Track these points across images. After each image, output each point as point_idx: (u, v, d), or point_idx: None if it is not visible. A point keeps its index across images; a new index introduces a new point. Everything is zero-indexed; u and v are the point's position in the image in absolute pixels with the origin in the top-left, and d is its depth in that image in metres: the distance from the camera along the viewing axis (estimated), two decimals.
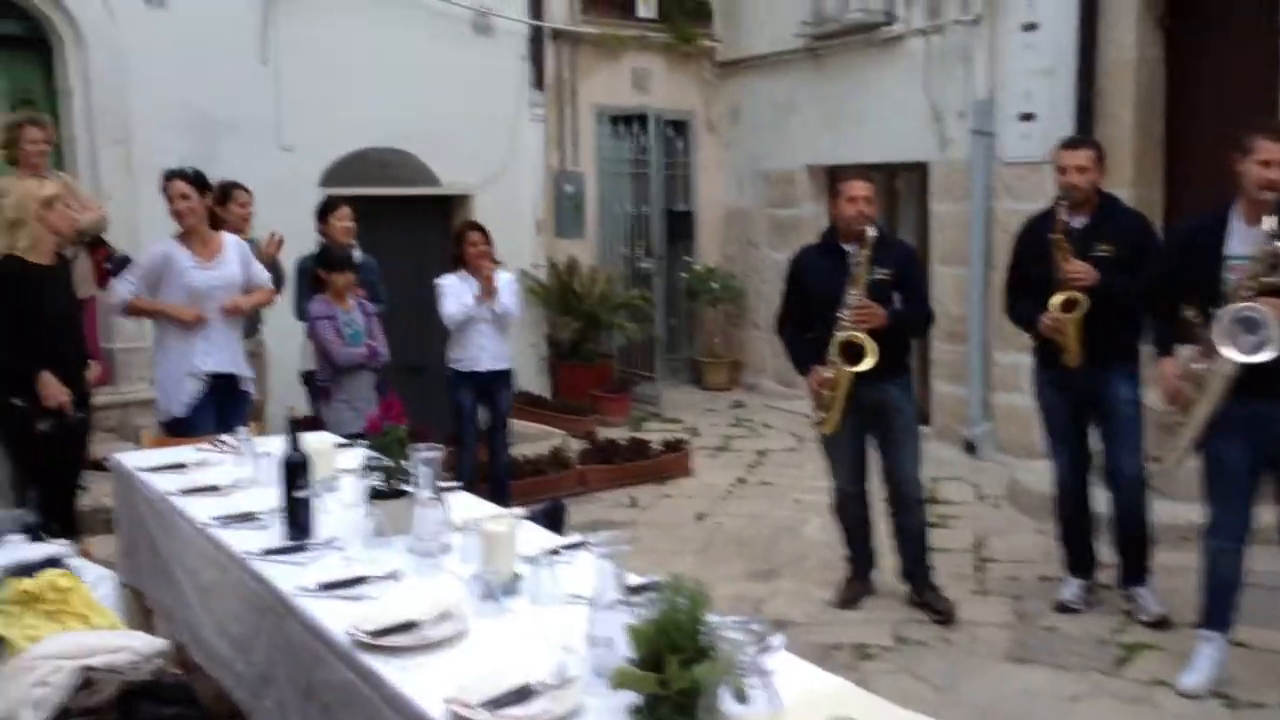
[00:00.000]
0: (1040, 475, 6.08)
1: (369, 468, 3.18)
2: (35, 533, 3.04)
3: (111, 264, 5.85)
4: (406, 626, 2.47)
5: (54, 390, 4.58)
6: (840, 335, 4.70)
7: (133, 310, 5.27)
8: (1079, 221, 4.70)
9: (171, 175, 5.13)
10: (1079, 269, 4.59)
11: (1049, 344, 4.80)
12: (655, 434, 8.43)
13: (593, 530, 6.24)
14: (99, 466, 5.00)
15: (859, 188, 4.79)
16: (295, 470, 3.08)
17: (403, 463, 3.15)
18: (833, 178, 9.48)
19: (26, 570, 2.78)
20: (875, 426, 4.99)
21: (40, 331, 4.59)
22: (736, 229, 10.71)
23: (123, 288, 5.18)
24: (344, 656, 2.40)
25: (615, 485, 7.33)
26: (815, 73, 9.56)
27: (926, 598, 5.09)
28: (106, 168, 7.10)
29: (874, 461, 5.14)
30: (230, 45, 7.60)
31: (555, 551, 3.03)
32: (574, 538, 3.39)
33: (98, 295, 5.87)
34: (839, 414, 4.85)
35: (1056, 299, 4.63)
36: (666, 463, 7.66)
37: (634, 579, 2.78)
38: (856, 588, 5.29)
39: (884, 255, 4.75)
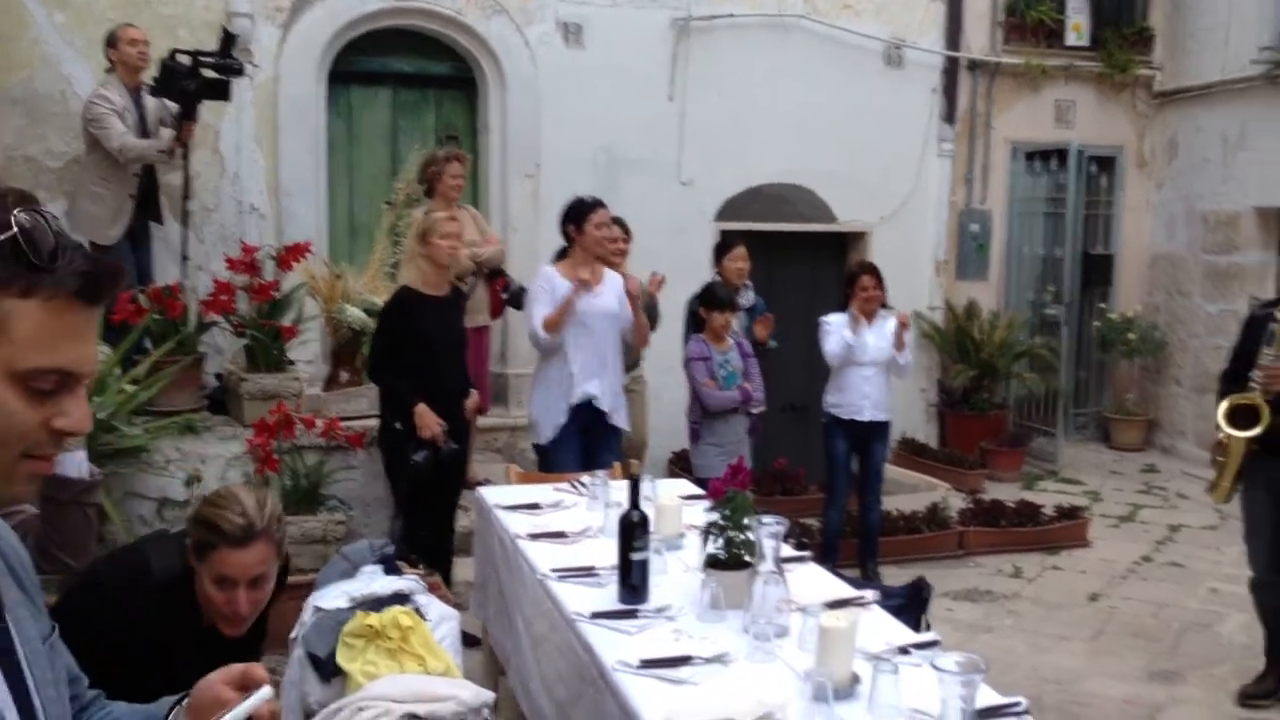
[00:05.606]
0: None
1: (709, 533, 3.02)
2: (391, 565, 3.16)
3: (508, 294, 6.15)
4: None
5: (429, 421, 4.78)
6: (1231, 397, 4.40)
7: (549, 326, 5.13)
8: None
9: (599, 204, 5.26)
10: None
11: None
12: (1049, 496, 7.77)
13: (968, 598, 5.93)
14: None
15: None
16: (633, 530, 2.99)
17: (746, 532, 2.97)
18: None
19: (375, 604, 2.86)
20: None
21: (422, 359, 4.83)
22: (1163, 275, 9.72)
23: (536, 318, 5.20)
24: None
25: (998, 551, 6.77)
26: (1273, 102, 8.49)
27: None
28: (515, 200, 7.53)
29: None
30: (640, 83, 7.82)
31: (905, 650, 2.73)
32: (929, 635, 3.07)
33: (490, 325, 6.18)
34: (1229, 484, 4.54)
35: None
36: (1059, 530, 7.00)
37: (988, 698, 2.44)
38: (1268, 684, 4.71)
39: None
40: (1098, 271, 9.80)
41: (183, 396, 5.69)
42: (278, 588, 2.66)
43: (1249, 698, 4.70)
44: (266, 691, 1.47)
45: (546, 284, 5.20)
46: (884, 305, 6.06)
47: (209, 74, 5.97)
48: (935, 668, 2.23)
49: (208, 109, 6.19)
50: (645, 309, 6.00)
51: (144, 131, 5.98)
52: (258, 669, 1.51)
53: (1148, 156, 9.83)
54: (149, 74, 6.04)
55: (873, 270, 6.08)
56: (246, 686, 1.48)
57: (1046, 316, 9.36)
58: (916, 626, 3.76)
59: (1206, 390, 9.12)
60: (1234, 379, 4.57)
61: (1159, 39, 9.65)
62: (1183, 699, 4.79)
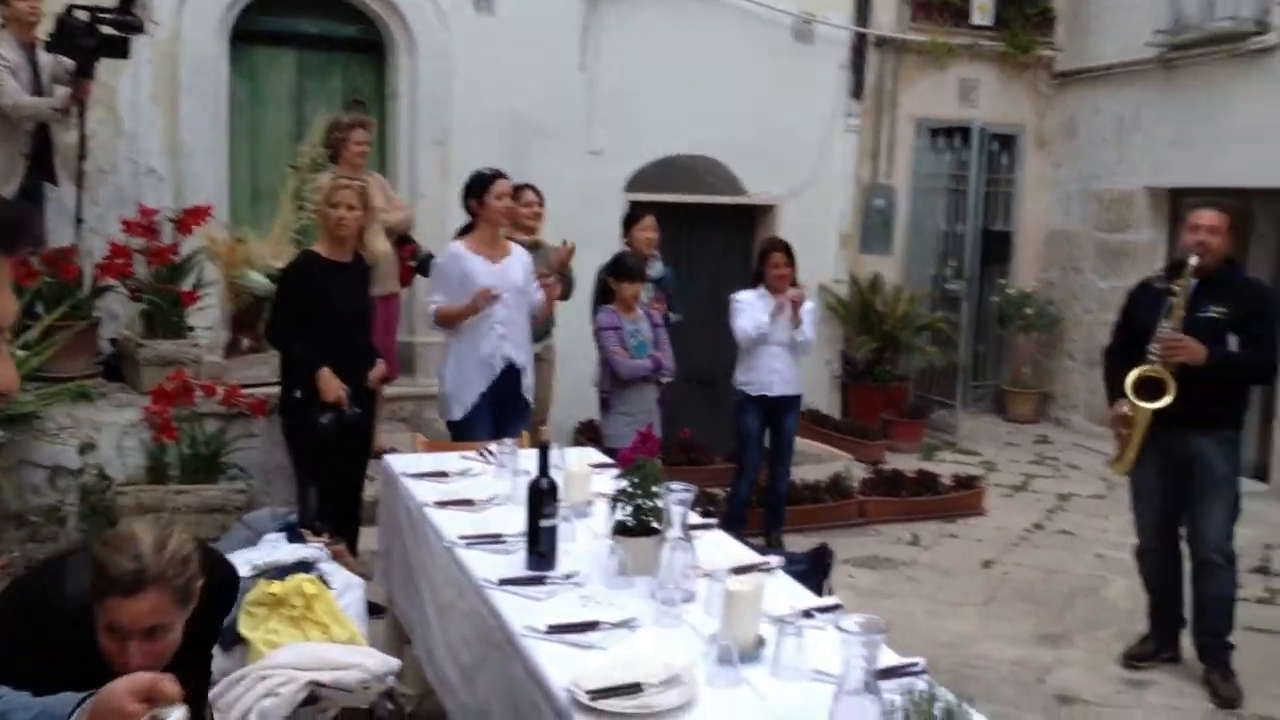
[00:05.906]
0: None
1: (617, 500, 3.04)
2: (295, 533, 3.12)
3: (416, 261, 6.07)
4: (630, 689, 2.32)
5: (332, 386, 4.69)
6: (1137, 369, 4.45)
7: (440, 320, 5.17)
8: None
9: (499, 175, 5.17)
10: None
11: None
12: (947, 466, 7.97)
13: (868, 565, 6.06)
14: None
15: (1204, 217, 4.47)
16: (542, 497, 2.99)
17: (655, 500, 3.00)
18: (1175, 202, 8.79)
19: (278, 572, 2.83)
20: (1185, 481, 4.62)
21: (325, 326, 4.73)
22: (1059, 252, 9.99)
23: (430, 305, 5.23)
24: (560, 713, 2.29)
25: (897, 519, 6.93)
26: (1166, 85, 8.78)
27: (1211, 677, 4.65)
28: (423, 168, 7.43)
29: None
30: (551, 51, 7.76)
31: (809, 613, 2.79)
32: (831, 599, 3.14)
33: (400, 292, 6.10)
34: (1133, 455, 4.62)
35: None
36: (956, 499, 7.19)
37: (888, 658, 2.51)
38: (1149, 646, 4.93)
39: (1223, 292, 4.45)
40: (997, 248, 10.02)
41: (76, 363, 5.53)
42: (223, 607, 2.45)
43: (1131, 659, 4.89)
44: (181, 713, 1.28)
45: (453, 262, 5.09)
46: (794, 283, 6.11)
47: (107, 31, 5.77)
48: (838, 629, 2.28)
49: (105, 67, 5.99)
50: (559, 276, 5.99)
51: (38, 89, 5.77)
52: (168, 683, 1.33)
53: (1047, 136, 10.07)
54: (44, 29, 5.81)
55: (784, 247, 6.13)
56: (154, 700, 1.30)
57: (947, 291, 9.56)
58: (819, 592, 3.83)
59: (1098, 365, 9.41)
60: (1121, 352, 4.68)
61: (1060, 20, 9.86)
62: (1069, 661, 4.96)
